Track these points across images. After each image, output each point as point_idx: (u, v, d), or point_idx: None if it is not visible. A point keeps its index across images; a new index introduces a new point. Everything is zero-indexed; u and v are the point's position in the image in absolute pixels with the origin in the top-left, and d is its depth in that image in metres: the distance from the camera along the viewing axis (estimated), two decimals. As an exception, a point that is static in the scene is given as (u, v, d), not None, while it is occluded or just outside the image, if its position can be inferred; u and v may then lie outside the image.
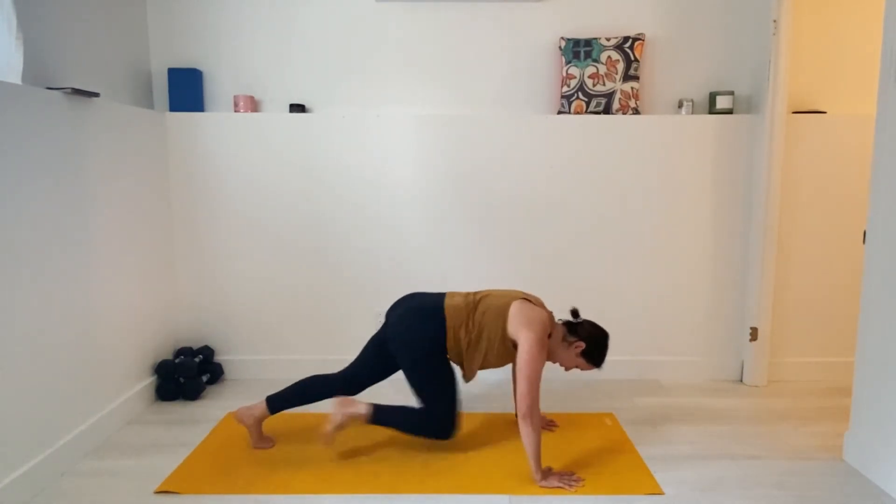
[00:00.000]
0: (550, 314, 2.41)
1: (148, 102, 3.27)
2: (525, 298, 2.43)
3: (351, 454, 2.48)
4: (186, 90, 3.21)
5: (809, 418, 2.88)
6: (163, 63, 3.28)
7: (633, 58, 3.16)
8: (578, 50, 3.17)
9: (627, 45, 3.15)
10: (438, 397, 2.40)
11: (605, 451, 2.52)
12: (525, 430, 2.19)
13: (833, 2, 3.21)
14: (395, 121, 3.24)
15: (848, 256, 3.30)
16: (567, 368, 2.45)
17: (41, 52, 2.44)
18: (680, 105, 3.26)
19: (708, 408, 3.00)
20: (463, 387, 3.24)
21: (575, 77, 3.18)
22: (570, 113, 3.22)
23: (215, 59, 3.29)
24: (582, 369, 2.44)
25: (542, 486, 2.22)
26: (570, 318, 2.47)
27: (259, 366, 3.38)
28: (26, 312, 2.18)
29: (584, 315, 2.50)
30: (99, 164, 2.63)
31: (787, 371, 3.38)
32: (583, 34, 3.25)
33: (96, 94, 2.57)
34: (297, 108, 3.25)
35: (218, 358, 3.38)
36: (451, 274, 3.31)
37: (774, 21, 3.05)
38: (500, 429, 2.72)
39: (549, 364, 2.50)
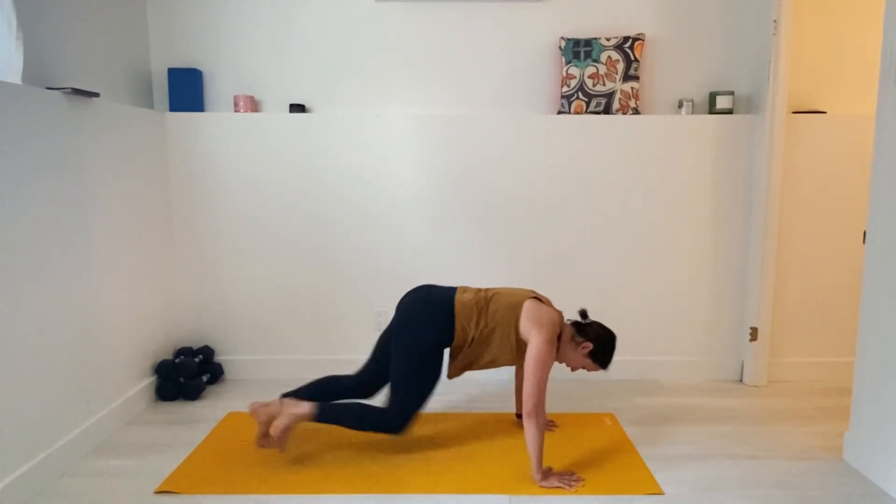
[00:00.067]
0: (560, 314, 2.41)
1: (148, 102, 3.27)
2: (536, 297, 2.43)
3: (351, 454, 2.48)
4: (186, 90, 3.21)
5: (809, 418, 2.88)
6: (163, 63, 3.28)
7: (633, 58, 3.16)
8: (578, 50, 3.17)
9: (627, 45, 3.15)
10: (412, 392, 2.37)
11: (605, 451, 2.52)
12: (529, 428, 2.19)
13: (833, 2, 3.21)
14: (395, 121, 3.24)
15: (848, 256, 3.30)
16: (573, 369, 2.45)
17: (41, 52, 2.44)
18: (680, 105, 3.26)
19: (708, 408, 3.00)
20: (463, 388, 3.24)
21: (575, 77, 3.18)
22: (570, 113, 3.22)
23: (215, 59, 3.29)
24: (588, 370, 2.44)
25: (542, 486, 2.22)
26: (578, 318, 2.47)
27: (259, 366, 3.38)
28: (26, 312, 2.18)
29: (594, 319, 2.50)
30: (99, 164, 2.63)
31: (787, 371, 3.38)
32: (583, 34, 3.25)
33: (96, 94, 2.57)
34: (297, 108, 3.25)
35: (218, 358, 3.38)
36: (452, 274, 3.31)
37: (774, 21, 3.05)
38: (500, 429, 2.72)
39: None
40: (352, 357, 3.34)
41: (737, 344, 3.39)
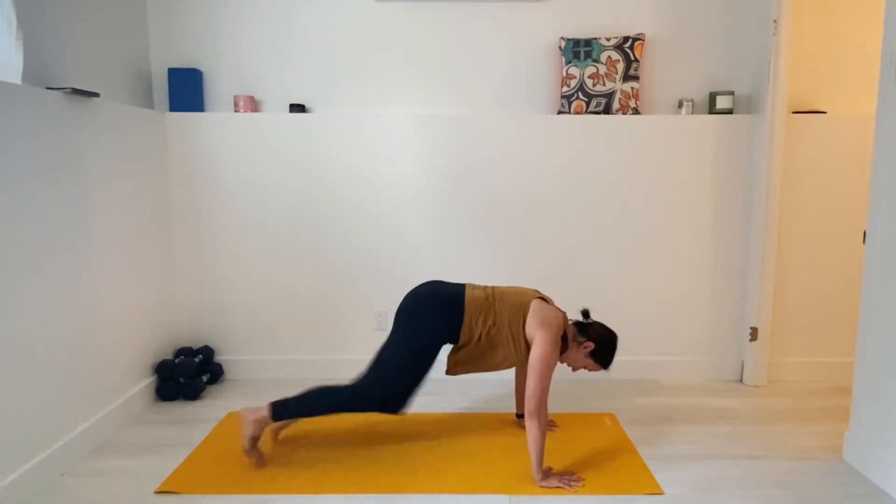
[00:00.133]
0: (564, 314, 2.41)
1: (148, 102, 3.27)
2: (542, 297, 2.43)
3: (351, 454, 2.48)
4: (186, 90, 3.21)
5: (809, 418, 2.88)
6: (163, 63, 3.28)
7: (633, 58, 3.16)
8: (578, 50, 3.17)
9: (627, 45, 3.15)
10: (403, 376, 2.33)
11: (605, 451, 2.52)
12: (531, 428, 2.20)
13: (833, 2, 3.21)
14: (395, 121, 3.24)
15: (848, 256, 3.30)
16: (575, 369, 2.45)
17: (41, 52, 2.44)
18: (680, 105, 3.26)
19: (708, 408, 3.00)
20: (463, 388, 3.24)
21: (575, 77, 3.18)
22: (570, 113, 3.22)
23: (215, 59, 3.29)
24: (589, 370, 2.44)
25: (542, 486, 2.22)
26: (580, 318, 2.47)
27: (259, 366, 3.38)
28: (26, 312, 2.18)
29: (596, 319, 2.50)
30: (99, 164, 2.64)
31: (787, 371, 3.38)
32: (583, 34, 3.25)
33: (96, 94, 2.57)
34: (297, 108, 3.25)
35: (218, 358, 3.38)
36: (452, 274, 3.31)
37: (774, 21, 3.05)
38: (500, 429, 2.72)
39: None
40: (352, 357, 3.34)
41: (737, 344, 3.39)
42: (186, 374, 3.05)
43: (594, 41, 3.16)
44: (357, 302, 3.35)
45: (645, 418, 2.87)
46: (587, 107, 3.21)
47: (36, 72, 2.41)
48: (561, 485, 2.22)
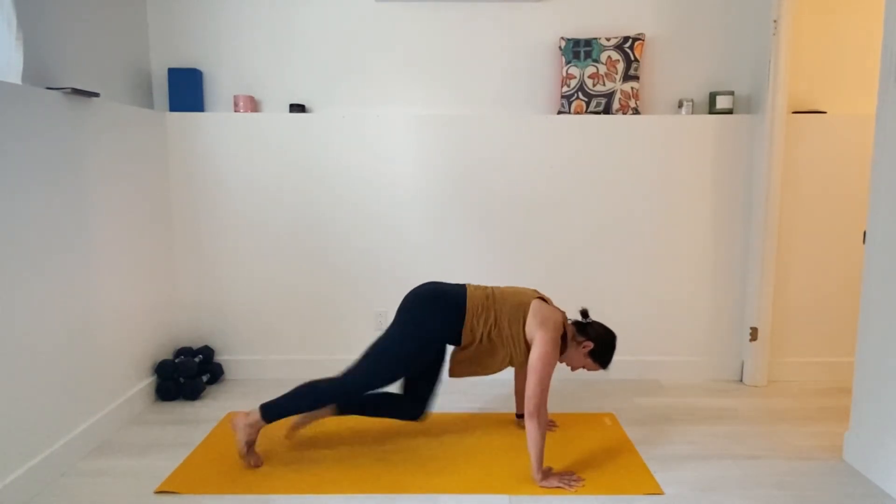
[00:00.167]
0: (563, 314, 2.41)
1: (148, 102, 3.27)
2: (541, 297, 2.43)
3: (351, 454, 2.48)
4: (186, 90, 3.21)
5: (809, 418, 2.88)
6: (163, 63, 3.28)
7: (633, 58, 3.16)
8: (578, 50, 3.17)
9: (627, 45, 3.15)
10: (388, 372, 2.32)
11: (605, 451, 2.52)
12: (530, 428, 2.19)
13: (833, 2, 3.21)
14: (395, 121, 3.24)
15: (848, 256, 3.30)
16: (574, 368, 2.45)
17: (41, 52, 2.44)
18: (680, 105, 3.26)
19: (708, 408, 3.00)
20: (462, 388, 3.24)
21: (575, 77, 3.18)
22: (570, 113, 3.22)
23: (215, 59, 3.29)
24: (588, 369, 2.44)
25: (542, 486, 2.22)
26: (579, 318, 2.47)
27: (259, 366, 3.38)
28: (26, 312, 2.18)
29: (595, 319, 2.50)
30: (99, 164, 2.64)
31: (787, 371, 3.38)
32: (583, 34, 3.25)
33: (96, 94, 2.57)
34: (297, 108, 3.25)
35: (218, 358, 3.38)
36: (452, 274, 3.31)
37: (774, 21, 3.05)
38: (501, 429, 2.72)
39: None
40: (352, 357, 3.32)
41: (737, 344, 3.39)
42: (186, 374, 3.05)
43: (594, 41, 3.16)
44: (357, 302, 3.35)
45: (645, 418, 2.87)
46: (587, 107, 3.21)
47: (36, 72, 2.41)
48: (561, 485, 2.22)
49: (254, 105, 3.27)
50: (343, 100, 3.31)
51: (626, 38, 3.16)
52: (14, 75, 2.21)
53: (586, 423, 2.80)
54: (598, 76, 3.17)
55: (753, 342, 3.29)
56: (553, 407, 2.96)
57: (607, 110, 3.22)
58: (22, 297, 2.16)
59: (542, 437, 2.21)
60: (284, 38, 3.27)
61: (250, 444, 2.36)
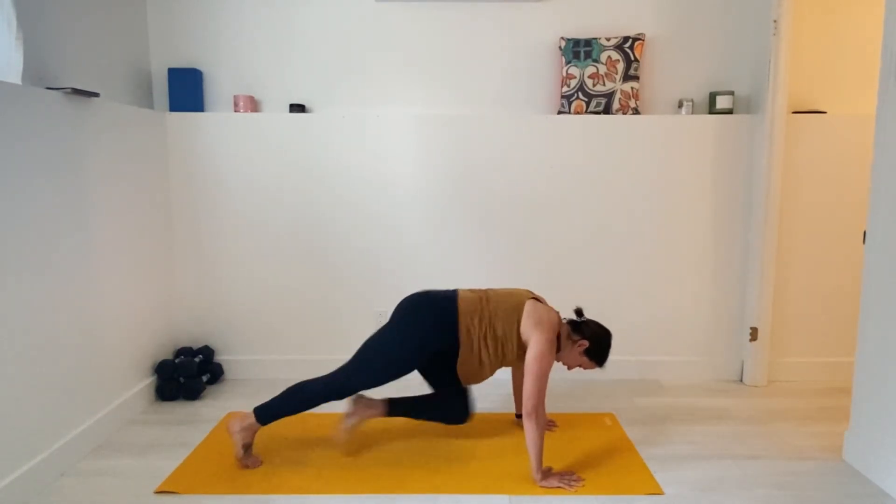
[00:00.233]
0: (558, 313, 2.42)
1: (148, 102, 3.27)
2: (535, 298, 2.43)
3: (351, 454, 2.48)
4: (186, 90, 3.21)
5: (809, 418, 2.88)
6: (163, 63, 3.28)
7: (633, 58, 3.16)
8: (578, 50, 3.17)
9: (627, 45, 3.15)
10: (377, 373, 2.33)
11: (605, 451, 2.52)
12: (529, 428, 2.19)
13: (833, 2, 3.21)
14: (395, 121, 3.24)
15: (848, 256, 3.30)
16: (570, 367, 2.45)
17: (41, 52, 2.44)
18: (680, 105, 3.26)
19: (708, 408, 3.00)
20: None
21: (575, 77, 3.18)
22: (570, 113, 3.22)
23: (215, 59, 3.29)
24: (585, 368, 2.44)
25: (542, 486, 2.22)
26: (574, 317, 2.47)
27: (259, 366, 3.38)
28: (26, 312, 2.18)
29: (589, 317, 2.50)
30: (99, 164, 2.64)
31: (787, 371, 3.38)
32: (583, 34, 3.25)
33: (96, 94, 2.57)
34: (297, 108, 3.25)
35: (218, 358, 3.38)
36: (451, 274, 3.31)
37: (774, 21, 3.05)
38: (500, 429, 2.72)
39: (549, 364, 2.49)
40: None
41: (737, 344, 3.39)
42: (186, 374, 3.05)
43: (594, 41, 3.16)
44: (357, 302, 3.35)
45: (645, 418, 2.87)
46: (587, 107, 3.21)
47: (36, 72, 2.41)
48: (561, 485, 2.22)
49: (254, 105, 3.27)
50: (343, 100, 3.31)
51: (626, 38, 3.16)
52: (14, 75, 2.21)
53: (586, 423, 2.80)
54: (598, 76, 3.17)
55: (753, 342, 3.29)
56: (553, 407, 2.96)
57: (607, 110, 3.22)
58: (22, 297, 2.16)
59: (541, 437, 2.21)
60: (284, 38, 3.27)
61: (247, 447, 2.37)
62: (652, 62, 3.29)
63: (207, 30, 3.26)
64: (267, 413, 2.34)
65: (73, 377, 2.44)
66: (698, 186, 3.28)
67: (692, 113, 3.25)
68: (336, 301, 3.35)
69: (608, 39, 3.16)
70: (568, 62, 3.18)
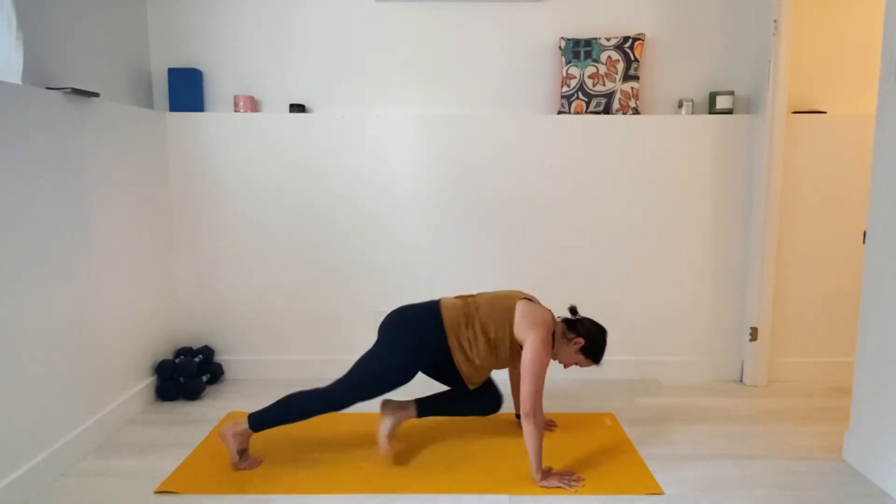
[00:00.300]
0: (551, 312, 2.42)
1: (148, 102, 3.27)
2: (526, 298, 2.43)
3: (351, 454, 2.48)
4: (186, 90, 3.21)
5: (809, 418, 2.88)
6: (163, 63, 3.28)
7: (633, 58, 3.16)
8: (578, 50, 3.17)
9: (627, 45, 3.15)
10: (375, 385, 2.33)
11: (605, 451, 2.52)
12: (527, 428, 2.19)
13: (833, 2, 3.21)
14: (395, 121, 3.24)
15: (848, 256, 3.30)
16: (566, 366, 2.45)
17: (41, 52, 2.44)
18: (680, 105, 3.26)
19: (708, 408, 3.00)
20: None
21: (575, 77, 3.18)
22: (570, 113, 3.22)
23: (215, 59, 3.29)
24: (581, 366, 2.44)
25: (542, 486, 2.22)
26: (568, 315, 2.47)
27: (259, 366, 3.38)
28: (26, 312, 2.18)
29: (582, 314, 2.50)
30: (99, 164, 2.63)
31: (787, 371, 3.38)
32: (583, 34, 3.25)
33: (96, 94, 2.57)
34: (297, 108, 3.25)
35: (218, 358, 3.38)
36: (451, 274, 3.31)
37: (774, 21, 3.05)
38: (500, 429, 2.72)
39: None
40: (351, 357, 3.31)
41: (737, 344, 3.39)
42: (186, 374, 3.05)
43: (594, 41, 3.16)
44: (357, 302, 3.35)
45: (645, 418, 2.87)
46: (587, 107, 3.21)
47: (36, 72, 2.41)
48: (561, 485, 2.22)
49: (254, 105, 3.27)
50: (343, 100, 3.31)
51: (626, 38, 3.16)
52: (14, 75, 2.21)
53: (586, 423, 2.80)
54: (598, 76, 3.17)
55: (753, 342, 3.29)
56: (553, 407, 2.96)
57: (607, 110, 3.22)
58: (22, 297, 2.16)
59: (540, 437, 2.21)
60: (284, 38, 3.27)
61: (242, 452, 2.37)
62: (652, 62, 3.29)
63: (207, 30, 3.26)
64: (261, 421, 2.34)
65: (73, 377, 2.44)
66: (698, 186, 3.28)
67: (692, 113, 3.25)
68: (336, 301, 3.35)
69: (608, 39, 3.16)
70: (568, 62, 3.18)
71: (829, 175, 3.25)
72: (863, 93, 3.27)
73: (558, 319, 2.45)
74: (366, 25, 3.26)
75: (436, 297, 2.78)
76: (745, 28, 3.25)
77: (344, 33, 3.27)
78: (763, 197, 3.17)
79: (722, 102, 3.21)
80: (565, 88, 3.21)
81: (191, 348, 3.28)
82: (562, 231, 3.30)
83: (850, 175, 3.24)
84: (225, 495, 2.19)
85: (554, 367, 2.60)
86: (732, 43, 3.26)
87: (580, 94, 3.19)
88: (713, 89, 3.30)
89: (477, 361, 2.36)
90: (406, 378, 2.35)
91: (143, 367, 3.00)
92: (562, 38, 3.21)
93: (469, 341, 2.35)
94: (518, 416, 2.76)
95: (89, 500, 2.16)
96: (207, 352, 3.29)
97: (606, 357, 2.48)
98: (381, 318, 3.24)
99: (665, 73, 3.29)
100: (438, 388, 2.62)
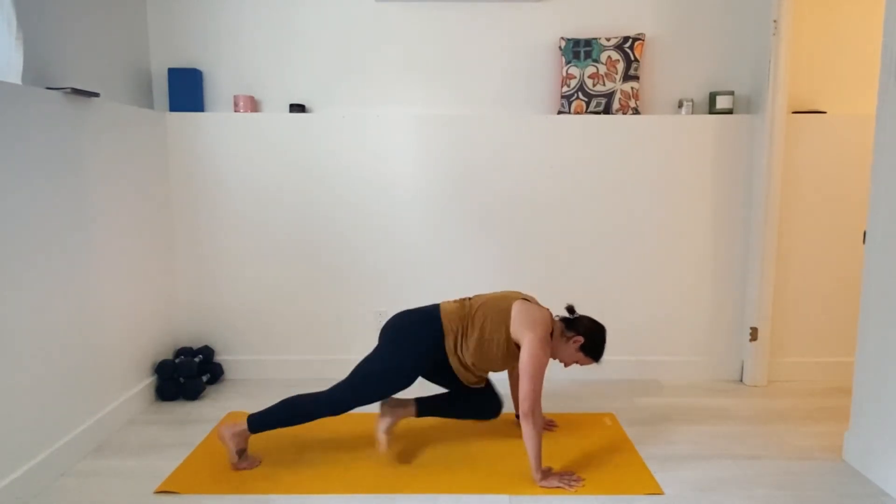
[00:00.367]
0: (549, 312, 2.42)
1: (148, 102, 3.27)
2: (524, 299, 2.43)
3: (351, 454, 2.48)
4: (186, 90, 3.21)
5: (809, 418, 2.88)
6: (163, 63, 3.28)
7: (633, 58, 3.16)
8: (578, 50, 3.17)
9: (627, 45, 3.15)
10: (375, 389, 2.34)
11: (605, 451, 2.52)
12: (526, 429, 2.19)
13: (833, 2, 3.21)
14: (395, 121, 3.24)
15: (848, 256, 3.30)
16: (567, 364, 2.45)
17: (41, 52, 2.44)
18: (680, 105, 3.26)
19: (708, 408, 3.00)
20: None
21: (575, 77, 3.18)
22: (570, 113, 3.22)
23: (215, 59, 3.29)
24: (581, 364, 2.44)
25: (541, 486, 2.22)
26: (566, 314, 2.47)
27: (259, 366, 3.38)
28: (26, 312, 2.18)
29: (581, 314, 2.50)
30: (99, 164, 2.64)
31: (787, 371, 3.38)
32: (583, 34, 3.25)
33: (96, 94, 2.57)
34: (297, 108, 3.25)
35: (218, 358, 3.38)
36: (451, 274, 3.31)
37: (774, 21, 3.05)
38: (500, 429, 2.72)
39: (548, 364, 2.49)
40: (351, 357, 3.33)
41: (737, 344, 3.39)
42: (186, 374, 3.05)
43: (594, 41, 3.16)
44: (357, 302, 3.35)
45: (645, 418, 2.87)
46: (587, 107, 3.21)
47: (36, 72, 2.41)
48: (561, 485, 2.22)
49: (254, 105, 3.27)
50: (343, 100, 3.31)
51: (626, 38, 3.16)
52: (14, 75, 2.21)
53: (586, 423, 2.80)
54: (598, 76, 3.17)
55: (753, 342, 3.29)
56: (553, 407, 2.96)
57: (607, 110, 3.22)
58: (22, 297, 2.16)
59: (539, 437, 2.21)
60: (284, 38, 3.27)
61: (241, 452, 2.37)
62: (652, 62, 3.29)
63: (207, 30, 3.26)
64: (260, 423, 2.34)
65: (73, 377, 2.44)
66: (698, 186, 3.27)
67: (692, 113, 3.25)
68: (336, 301, 3.35)
69: (608, 39, 3.16)
70: (568, 62, 3.18)
71: (829, 175, 3.25)
72: (863, 93, 3.27)
73: (556, 318, 2.45)
74: (365, 25, 3.26)
75: (435, 298, 2.82)
76: (745, 28, 3.25)
77: (344, 33, 3.27)
78: (763, 197, 3.17)
79: (722, 102, 3.21)
80: (565, 88, 3.21)
81: (191, 348, 3.28)
82: (562, 231, 3.30)
83: (850, 175, 3.24)
84: (225, 495, 2.19)
85: (554, 366, 2.60)
86: (732, 43, 3.26)
87: (580, 94, 3.19)
88: (713, 89, 3.30)
89: (468, 361, 2.36)
90: (407, 382, 2.36)
91: (143, 367, 3.00)
92: (562, 38, 3.21)
93: (462, 342, 2.35)
94: (518, 416, 2.76)
95: (89, 500, 2.16)
96: (207, 352, 3.29)
97: (606, 357, 2.49)
98: (381, 319, 3.30)
99: (665, 73, 3.29)
100: (436, 390, 2.62)
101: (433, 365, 2.41)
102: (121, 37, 3.01)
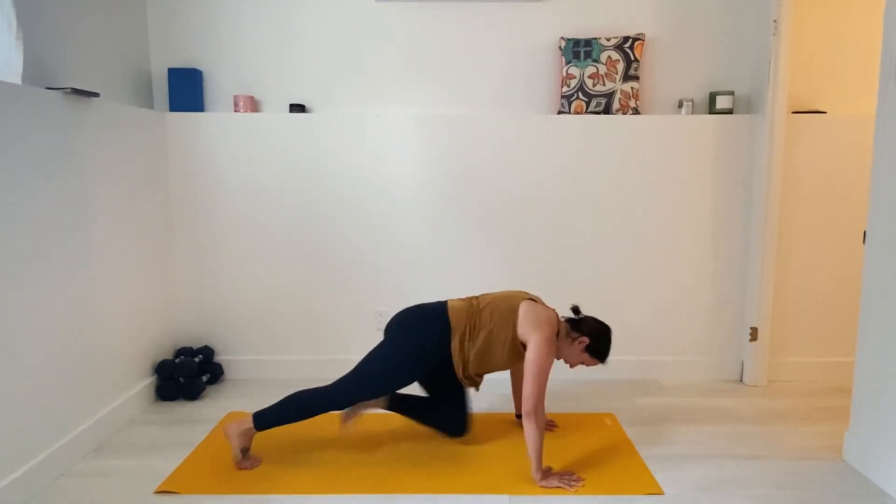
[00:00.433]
0: (555, 312, 2.42)
1: (148, 102, 3.27)
2: (530, 299, 2.43)
3: (351, 454, 2.48)
4: (186, 90, 3.21)
5: (809, 418, 2.88)
6: (163, 63, 3.28)
7: (633, 58, 3.16)
8: (578, 50, 3.17)
9: (627, 45, 3.15)
10: (377, 384, 2.36)
11: (605, 451, 2.52)
12: (529, 428, 2.20)
13: (833, 2, 3.21)
14: (395, 121, 3.24)
15: (848, 256, 3.30)
16: (572, 365, 2.45)
17: (41, 52, 2.44)
18: (680, 105, 3.26)
19: (708, 408, 3.00)
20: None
21: (575, 77, 3.18)
22: (570, 113, 3.22)
23: (215, 59, 3.29)
24: (587, 364, 2.44)
25: (542, 486, 2.22)
26: (571, 314, 2.47)
27: (259, 366, 3.38)
28: (26, 312, 2.18)
29: (587, 314, 2.50)
30: (99, 164, 2.63)
31: (787, 371, 3.38)
32: (583, 34, 3.25)
33: (96, 94, 2.57)
34: (297, 108, 3.25)
35: (218, 358, 3.38)
36: (451, 274, 3.31)
37: (774, 21, 3.05)
38: (500, 429, 2.72)
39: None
40: (352, 357, 3.32)
41: (737, 344, 3.39)
42: (186, 374, 3.05)
43: (594, 41, 3.16)
44: (357, 302, 3.35)
45: (645, 418, 2.87)
46: (587, 107, 3.21)
47: (36, 72, 2.41)
48: (561, 484, 2.22)
49: (254, 105, 3.27)
50: (343, 100, 3.31)
51: (626, 38, 3.16)
52: (14, 75, 2.21)
53: (586, 423, 2.80)
54: (598, 76, 3.17)
55: (753, 342, 3.29)
56: (553, 407, 2.96)
57: (607, 110, 3.22)
58: (22, 297, 2.16)
59: (541, 437, 2.21)
60: (284, 38, 3.27)
61: (245, 451, 2.38)
62: (652, 62, 3.29)
63: (207, 30, 3.26)
64: (265, 420, 2.35)
65: (74, 377, 2.44)
66: (698, 186, 3.27)
67: (692, 113, 3.25)
68: (336, 301, 3.35)
69: (608, 39, 3.16)
70: (568, 62, 3.18)
71: (829, 175, 3.25)
72: (863, 93, 3.27)
73: (562, 319, 2.45)
74: (365, 25, 3.26)
75: (436, 298, 2.82)
76: (745, 28, 3.25)
77: (344, 33, 3.27)
78: (763, 197, 3.17)
79: (722, 102, 3.21)
80: (565, 88, 3.21)
81: (191, 348, 3.28)
82: (562, 231, 3.30)
83: (850, 175, 3.24)
84: (225, 495, 2.19)
85: (557, 366, 2.60)
86: (732, 43, 3.26)
87: (580, 94, 3.19)
88: (713, 89, 3.30)
89: (472, 359, 2.37)
90: (410, 378, 2.36)
91: (143, 367, 3.00)
92: (562, 38, 3.21)
93: (469, 339, 2.35)
94: (518, 415, 2.76)
95: (89, 500, 2.16)
96: (207, 352, 3.29)
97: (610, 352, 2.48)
98: (381, 319, 3.30)
99: (665, 73, 3.29)
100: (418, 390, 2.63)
101: (437, 364, 2.41)
102: (121, 37, 3.01)
